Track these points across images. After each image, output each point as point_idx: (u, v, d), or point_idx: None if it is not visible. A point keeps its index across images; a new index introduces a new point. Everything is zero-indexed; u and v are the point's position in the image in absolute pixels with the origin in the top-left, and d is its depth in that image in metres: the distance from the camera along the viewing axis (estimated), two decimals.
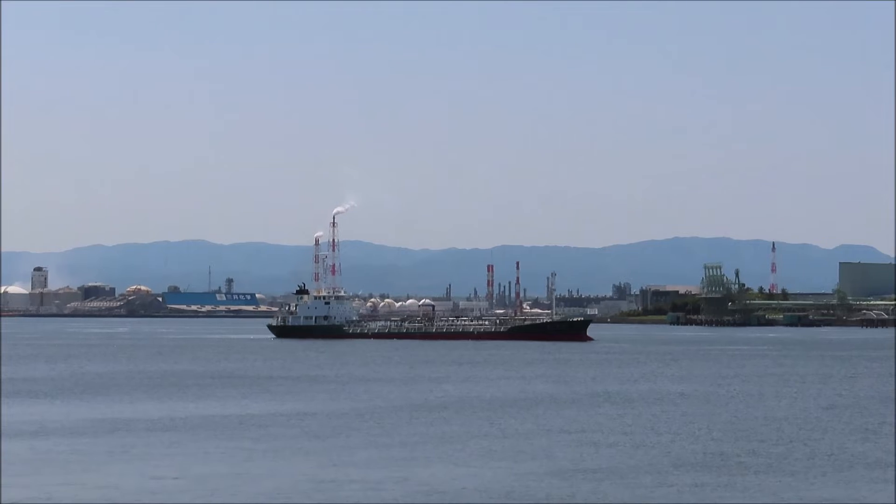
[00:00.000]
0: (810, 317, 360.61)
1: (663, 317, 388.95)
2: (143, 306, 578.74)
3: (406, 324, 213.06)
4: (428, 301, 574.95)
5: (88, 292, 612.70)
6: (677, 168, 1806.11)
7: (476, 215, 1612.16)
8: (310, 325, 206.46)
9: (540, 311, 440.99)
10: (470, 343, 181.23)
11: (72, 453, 47.17)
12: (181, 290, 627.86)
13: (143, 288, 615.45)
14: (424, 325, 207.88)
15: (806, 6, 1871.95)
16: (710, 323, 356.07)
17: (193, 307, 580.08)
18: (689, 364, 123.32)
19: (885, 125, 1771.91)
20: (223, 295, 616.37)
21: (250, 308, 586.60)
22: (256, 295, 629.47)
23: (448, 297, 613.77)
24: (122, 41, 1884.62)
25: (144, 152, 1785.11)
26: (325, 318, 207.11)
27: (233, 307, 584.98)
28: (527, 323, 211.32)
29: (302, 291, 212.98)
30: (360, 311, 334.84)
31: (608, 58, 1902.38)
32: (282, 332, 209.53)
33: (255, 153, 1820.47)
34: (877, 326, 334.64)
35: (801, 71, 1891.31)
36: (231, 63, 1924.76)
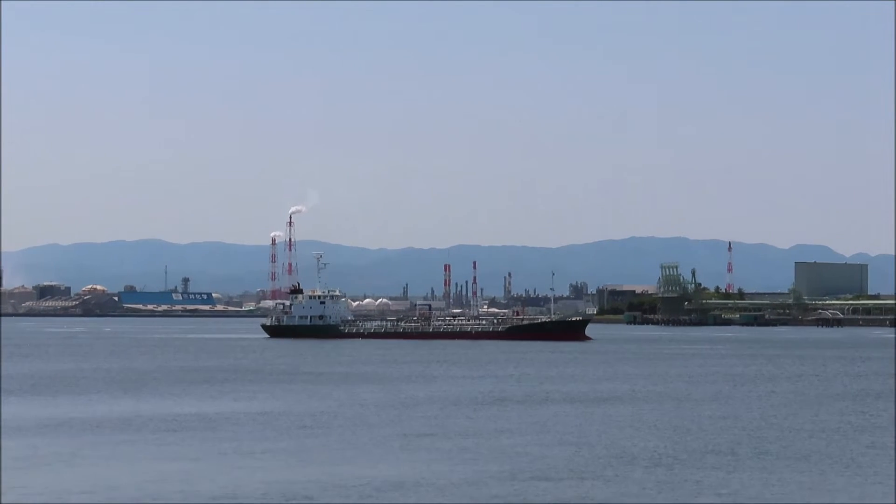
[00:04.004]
0: (766, 316, 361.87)
1: (620, 316, 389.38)
2: (98, 306, 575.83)
3: (402, 323, 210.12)
4: (385, 300, 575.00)
5: (43, 292, 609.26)
6: (633, 168, 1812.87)
7: (433, 215, 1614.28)
8: (305, 324, 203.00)
9: (495, 309, 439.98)
10: (468, 343, 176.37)
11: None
12: (137, 289, 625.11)
13: (98, 287, 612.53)
14: (421, 324, 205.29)
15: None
16: (666, 322, 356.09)
17: (150, 307, 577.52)
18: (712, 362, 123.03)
19: (840, 126, 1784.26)
20: (179, 294, 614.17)
21: (207, 307, 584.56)
22: (213, 294, 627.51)
23: (405, 297, 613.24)
24: (78, 39, 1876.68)
25: (101, 152, 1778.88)
26: (321, 317, 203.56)
27: (189, 307, 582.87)
28: (525, 322, 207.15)
29: (296, 291, 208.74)
30: None
31: (565, 58, 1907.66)
32: (276, 331, 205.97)
33: (211, 153, 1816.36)
34: (832, 326, 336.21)
35: (758, 72, 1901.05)
36: (187, 62, 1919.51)
